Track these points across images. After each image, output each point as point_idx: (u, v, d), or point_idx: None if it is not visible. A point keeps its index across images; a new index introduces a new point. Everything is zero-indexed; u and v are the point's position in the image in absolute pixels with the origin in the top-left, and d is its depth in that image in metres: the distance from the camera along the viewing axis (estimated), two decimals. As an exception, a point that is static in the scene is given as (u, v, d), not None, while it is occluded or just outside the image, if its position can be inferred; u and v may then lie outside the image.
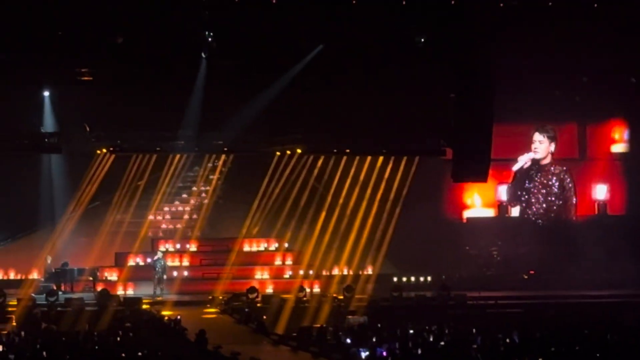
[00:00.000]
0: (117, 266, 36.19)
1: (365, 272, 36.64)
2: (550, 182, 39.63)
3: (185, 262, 36.86)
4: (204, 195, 39.49)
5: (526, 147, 39.53)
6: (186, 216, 39.29)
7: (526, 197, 39.54)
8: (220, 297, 32.53)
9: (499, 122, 33.61)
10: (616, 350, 19.73)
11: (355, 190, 37.71)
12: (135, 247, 36.71)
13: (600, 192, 39.76)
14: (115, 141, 36.30)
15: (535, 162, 39.58)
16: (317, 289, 34.85)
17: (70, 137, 35.19)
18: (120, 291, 34.18)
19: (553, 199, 39.61)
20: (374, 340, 21.51)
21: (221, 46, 33.32)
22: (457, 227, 38.68)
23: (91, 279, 35.30)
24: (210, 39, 33.09)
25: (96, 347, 20.89)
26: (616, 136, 40.24)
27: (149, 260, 36.02)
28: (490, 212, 39.63)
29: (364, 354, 20.07)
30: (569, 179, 39.67)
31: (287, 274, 36.46)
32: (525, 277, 37.24)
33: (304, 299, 31.82)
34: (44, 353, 19.86)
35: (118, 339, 22.26)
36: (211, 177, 39.31)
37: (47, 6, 31.22)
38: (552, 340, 20.48)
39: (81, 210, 36.78)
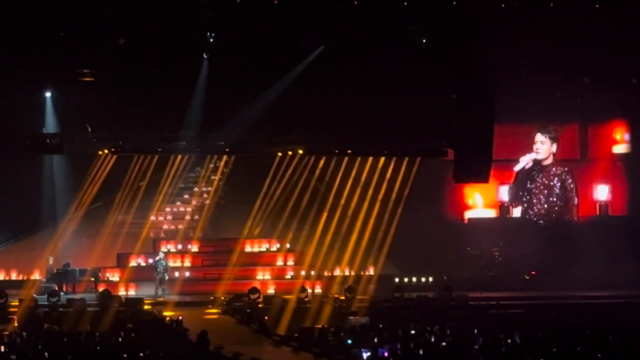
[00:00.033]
0: (119, 267, 36.22)
1: (366, 273, 36.63)
2: (551, 183, 39.59)
3: (187, 263, 36.87)
4: (205, 196, 39.45)
5: (528, 147, 39.47)
6: (188, 217, 39.26)
7: (528, 197, 39.48)
8: (222, 298, 32.51)
9: (501, 122, 33.66)
10: (618, 351, 19.68)
11: (357, 191, 37.68)
12: (137, 248, 36.74)
13: (602, 192, 39.74)
14: (117, 142, 36.29)
15: (536, 162, 39.53)
16: (318, 290, 34.85)
17: (71, 138, 35.25)
18: (122, 292, 34.20)
19: (555, 199, 39.56)
20: (375, 340, 21.45)
21: (222, 47, 33.40)
22: (459, 228, 38.64)
23: (93, 279, 35.35)
24: (211, 40, 33.15)
25: (98, 348, 20.87)
26: (617, 137, 40.21)
27: (150, 261, 35.99)
28: (491, 213, 39.60)
29: (365, 355, 20.04)
30: (570, 180, 39.63)
31: (289, 274, 36.47)
32: (527, 277, 37.23)
33: (306, 299, 31.79)
34: (46, 354, 19.84)
35: (120, 339, 22.22)
36: (213, 177, 39.25)
37: (48, 6, 31.28)
38: (553, 341, 20.43)
39: (83, 211, 36.77)
